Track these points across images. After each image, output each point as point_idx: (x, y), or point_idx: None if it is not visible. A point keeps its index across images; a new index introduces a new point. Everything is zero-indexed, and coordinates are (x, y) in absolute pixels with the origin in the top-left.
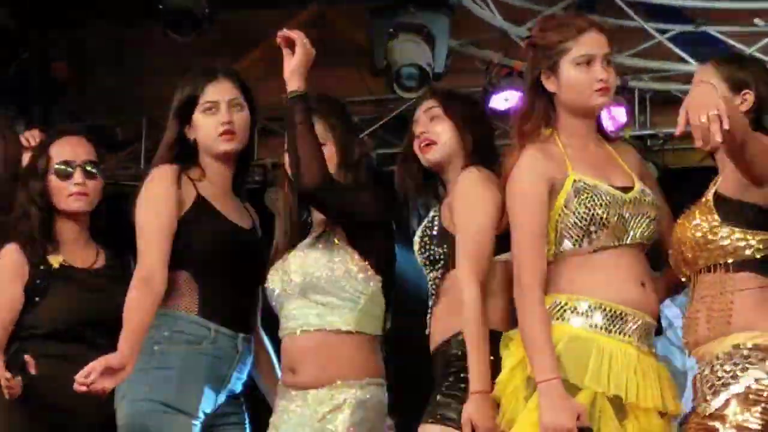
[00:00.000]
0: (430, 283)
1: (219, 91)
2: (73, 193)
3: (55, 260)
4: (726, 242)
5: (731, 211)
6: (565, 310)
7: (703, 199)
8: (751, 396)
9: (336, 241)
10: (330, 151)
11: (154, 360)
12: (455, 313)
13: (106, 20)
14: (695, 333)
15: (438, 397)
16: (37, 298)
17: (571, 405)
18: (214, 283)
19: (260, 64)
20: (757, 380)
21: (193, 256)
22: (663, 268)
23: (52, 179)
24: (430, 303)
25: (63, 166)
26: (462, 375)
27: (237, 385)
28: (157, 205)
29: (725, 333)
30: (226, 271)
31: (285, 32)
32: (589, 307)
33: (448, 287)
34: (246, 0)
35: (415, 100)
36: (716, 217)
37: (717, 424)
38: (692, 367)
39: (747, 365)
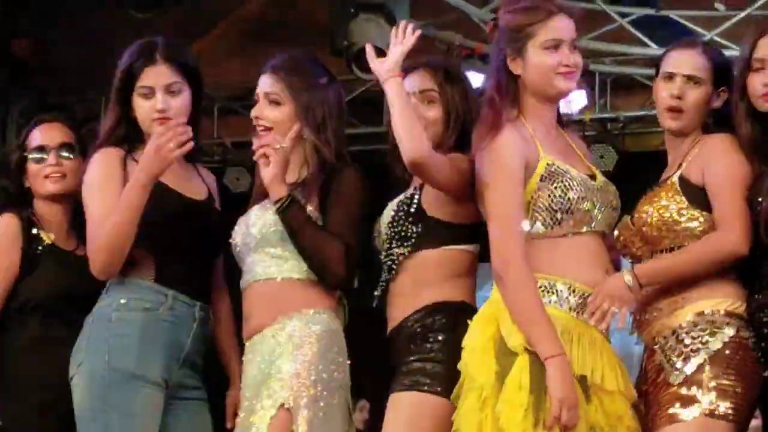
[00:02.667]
0: (392, 257)
1: (156, 76)
2: (48, 174)
3: (47, 237)
4: (693, 224)
5: (696, 195)
6: (538, 289)
7: (669, 182)
8: (724, 357)
9: (308, 206)
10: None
11: (112, 327)
12: (419, 291)
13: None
14: (645, 311)
15: (409, 365)
16: (28, 269)
17: (575, 385)
18: (169, 255)
19: (222, 42)
20: (726, 342)
21: (146, 235)
22: None
23: (30, 166)
24: (384, 277)
25: (37, 153)
26: (430, 345)
27: (197, 357)
28: (102, 188)
29: (683, 305)
30: (180, 244)
31: (259, 142)
32: (560, 287)
33: (414, 266)
34: None
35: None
36: (683, 199)
37: (694, 390)
38: (639, 351)
39: (714, 329)
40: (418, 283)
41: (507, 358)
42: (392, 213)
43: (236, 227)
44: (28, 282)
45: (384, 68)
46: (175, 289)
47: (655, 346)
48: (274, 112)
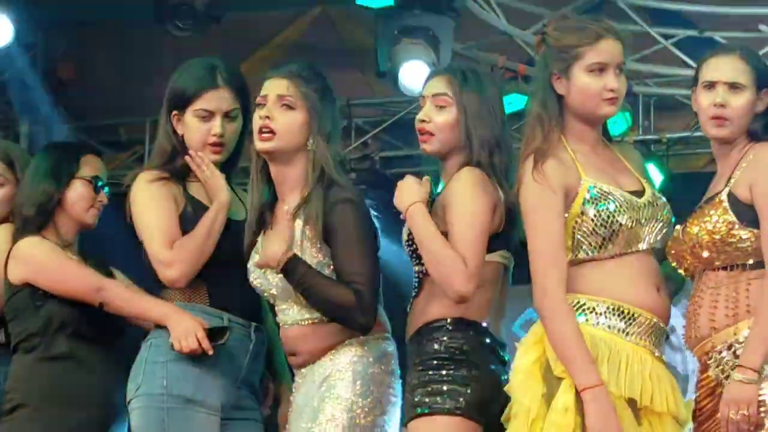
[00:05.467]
0: (415, 276)
1: (217, 101)
2: (95, 207)
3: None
4: (745, 244)
5: (745, 211)
6: (584, 310)
7: (717, 199)
8: None
9: (309, 233)
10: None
11: (170, 353)
12: (432, 304)
13: (109, 20)
14: (698, 328)
15: (418, 388)
16: None
17: (615, 415)
18: (219, 277)
19: (264, 64)
20: None
21: None
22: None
23: (78, 186)
24: (412, 294)
25: (94, 181)
26: (432, 362)
27: (254, 377)
28: (159, 205)
29: (740, 318)
30: (228, 265)
31: None
32: (608, 308)
33: (430, 281)
34: (251, 1)
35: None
36: (732, 217)
37: (762, 411)
38: (694, 370)
39: None
40: (431, 299)
41: (554, 380)
42: (407, 231)
43: (251, 267)
44: (50, 302)
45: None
46: (228, 311)
47: (710, 361)
48: (285, 116)
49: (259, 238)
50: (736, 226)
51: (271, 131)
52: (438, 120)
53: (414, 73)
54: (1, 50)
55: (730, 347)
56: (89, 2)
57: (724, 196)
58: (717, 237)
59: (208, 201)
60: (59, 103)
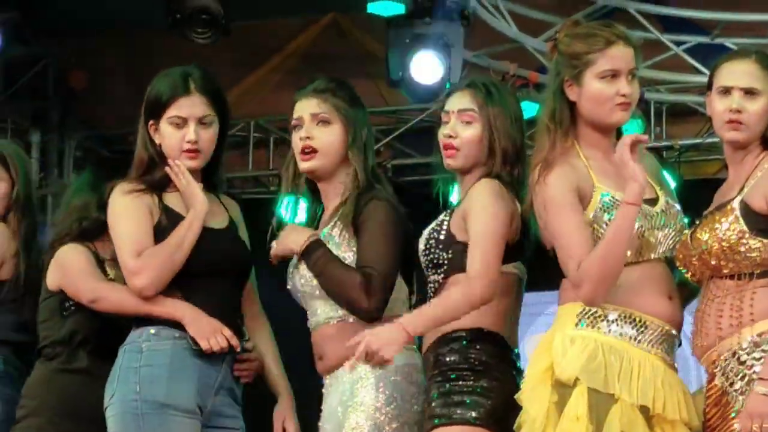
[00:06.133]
0: (430, 285)
1: (189, 108)
2: None
3: (111, 272)
4: (754, 254)
5: (757, 221)
6: (595, 318)
7: (728, 207)
8: None
9: (346, 234)
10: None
11: (142, 358)
12: None
13: (122, 29)
14: (704, 336)
15: (438, 399)
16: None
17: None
18: (194, 284)
19: (276, 73)
20: None
21: None
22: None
23: None
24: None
25: None
26: (452, 373)
27: (233, 385)
28: (131, 215)
29: (744, 325)
30: (203, 273)
31: None
32: (619, 316)
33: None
34: (262, 9)
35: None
36: (743, 226)
37: None
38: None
39: None
40: None
41: (565, 388)
42: (424, 241)
43: (291, 271)
44: (79, 313)
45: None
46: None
47: (716, 370)
48: (324, 132)
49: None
50: (746, 235)
51: (313, 150)
52: (465, 135)
53: (425, 82)
54: None
55: (734, 354)
56: (101, 10)
57: (736, 204)
58: (726, 245)
59: (186, 211)
60: (70, 112)
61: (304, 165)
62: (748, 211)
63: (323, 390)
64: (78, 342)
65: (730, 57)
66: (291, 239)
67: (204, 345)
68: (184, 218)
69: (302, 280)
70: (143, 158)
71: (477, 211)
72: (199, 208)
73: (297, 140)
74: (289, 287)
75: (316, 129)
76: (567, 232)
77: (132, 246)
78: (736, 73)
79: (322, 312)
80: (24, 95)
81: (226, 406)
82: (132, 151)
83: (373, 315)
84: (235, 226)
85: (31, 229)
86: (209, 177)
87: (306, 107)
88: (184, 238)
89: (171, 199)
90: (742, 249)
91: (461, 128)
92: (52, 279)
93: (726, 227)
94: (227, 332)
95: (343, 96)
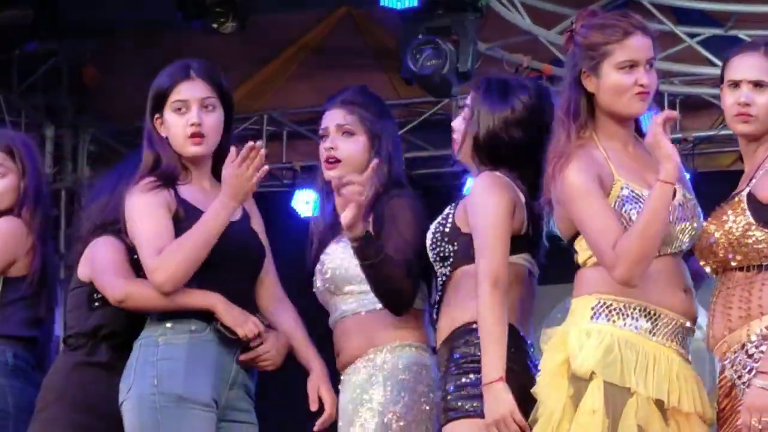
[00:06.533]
0: (439, 278)
1: (190, 91)
2: None
3: None
4: (762, 245)
5: (764, 213)
6: (611, 311)
7: (736, 199)
8: None
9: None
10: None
11: (159, 352)
12: (461, 307)
13: (136, 24)
14: (715, 329)
15: (454, 392)
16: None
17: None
18: (208, 277)
19: (289, 66)
20: None
21: None
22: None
23: None
24: (437, 298)
25: None
26: (467, 365)
27: (247, 379)
28: (151, 212)
29: (753, 317)
30: (217, 265)
31: (343, 191)
32: (634, 309)
33: (456, 284)
34: (276, 2)
35: (447, 101)
36: (750, 218)
37: None
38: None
39: None
40: (458, 302)
41: (581, 382)
42: (431, 234)
43: (315, 276)
44: (106, 307)
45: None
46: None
47: (726, 362)
48: (348, 144)
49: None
50: (753, 227)
51: (336, 160)
52: (458, 128)
53: (438, 75)
54: None
55: (743, 347)
56: (114, 6)
57: (743, 196)
58: (733, 237)
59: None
60: (84, 106)
61: (327, 174)
62: (755, 203)
63: (339, 387)
64: (102, 336)
65: (740, 50)
66: (352, 230)
67: (240, 333)
68: (200, 210)
69: (326, 275)
70: (152, 154)
71: (474, 204)
72: (223, 213)
73: (322, 150)
74: (317, 284)
75: (341, 140)
76: (596, 216)
77: (152, 243)
78: (745, 66)
79: (348, 306)
80: (38, 90)
81: (239, 400)
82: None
83: (410, 305)
84: (248, 218)
85: (44, 224)
86: (218, 166)
87: (332, 118)
88: (207, 236)
89: (186, 191)
90: (750, 241)
91: (457, 122)
92: (83, 270)
93: (732, 219)
94: (256, 321)
95: (369, 108)
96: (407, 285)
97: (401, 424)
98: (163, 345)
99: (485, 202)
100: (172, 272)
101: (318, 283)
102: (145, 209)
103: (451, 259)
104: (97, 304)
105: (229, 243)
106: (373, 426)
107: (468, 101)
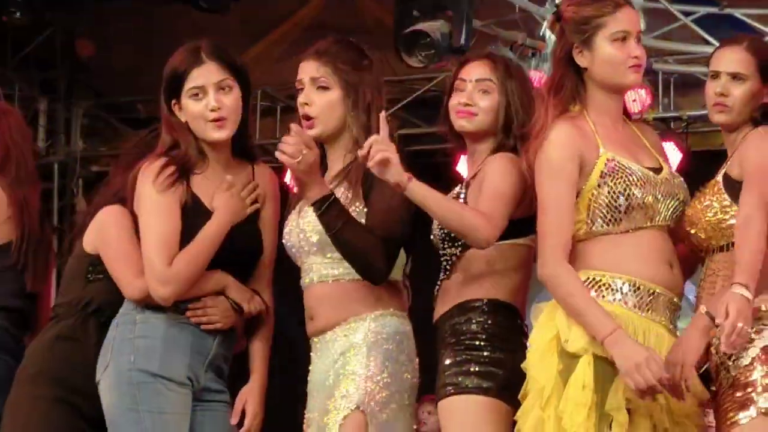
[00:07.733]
0: (446, 258)
1: (205, 76)
2: None
3: None
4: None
5: (738, 191)
6: (600, 287)
7: (713, 181)
8: None
9: (350, 195)
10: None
11: (136, 329)
12: (466, 287)
13: None
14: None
15: (453, 367)
16: None
17: (640, 348)
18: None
19: (283, 42)
20: None
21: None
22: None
23: None
24: (441, 277)
25: None
26: (469, 342)
27: (222, 362)
28: (165, 211)
29: None
30: (212, 264)
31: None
32: (624, 284)
33: (464, 264)
34: None
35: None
36: (726, 197)
37: (750, 392)
38: None
39: (761, 326)
40: (466, 280)
41: (571, 358)
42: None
43: (289, 228)
44: (102, 282)
45: (400, 177)
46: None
47: (712, 347)
48: (322, 99)
49: (297, 207)
50: (729, 207)
51: (310, 118)
52: (483, 104)
53: (433, 51)
54: None
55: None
56: None
57: (719, 178)
58: (711, 217)
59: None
60: (78, 80)
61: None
62: (730, 183)
63: (311, 353)
64: (91, 311)
65: (725, 43)
66: (307, 190)
67: (246, 308)
68: (208, 210)
69: (301, 234)
70: (167, 140)
71: (489, 180)
72: (221, 230)
73: (299, 105)
74: (288, 241)
75: (315, 94)
76: (554, 204)
77: (162, 249)
78: (725, 58)
79: (317, 269)
80: (31, 63)
81: (213, 381)
82: (139, 118)
83: (384, 278)
84: (256, 218)
85: (30, 193)
86: (240, 146)
87: (306, 70)
88: (212, 248)
89: (198, 184)
90: (726, 217)
91: (479, 96)
92: (89, 241)
93: (709, 200)
94: (260, 300)
95: (345, 58)
96: (380, 260)
97: (384, 394)
98: (140, 323)
99: (502, 176)
100: (180, 290)
101: (292, 239)
102: (157, 207)
103: (461, 240)
104: (92, 277)
105: (224, 248)
106: (357, 397)
107: (488, 75)
